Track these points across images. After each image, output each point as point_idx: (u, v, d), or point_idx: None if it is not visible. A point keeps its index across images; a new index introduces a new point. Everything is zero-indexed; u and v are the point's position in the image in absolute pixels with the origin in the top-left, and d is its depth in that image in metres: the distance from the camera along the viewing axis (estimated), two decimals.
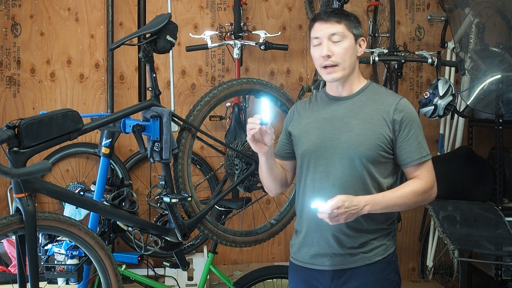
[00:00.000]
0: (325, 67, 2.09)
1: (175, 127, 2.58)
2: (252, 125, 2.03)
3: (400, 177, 2.18)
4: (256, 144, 2.08)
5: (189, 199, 2.55)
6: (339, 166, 2.07)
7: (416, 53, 3.35)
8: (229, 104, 3.71)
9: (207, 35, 3.55)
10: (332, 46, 2.08)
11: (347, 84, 2.14)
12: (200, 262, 3.66)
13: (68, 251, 2.90)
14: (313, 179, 2.13)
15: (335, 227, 2.05)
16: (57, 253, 2.92)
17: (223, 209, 3.04)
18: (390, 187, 2.11)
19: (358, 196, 1.99)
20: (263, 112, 2.02)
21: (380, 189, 2.08)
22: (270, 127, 2.04)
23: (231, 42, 3.62)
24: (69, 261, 2.92)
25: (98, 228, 2.62)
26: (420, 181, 2.08)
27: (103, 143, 2.61)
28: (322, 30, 2.10)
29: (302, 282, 2.19)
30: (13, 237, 2.14)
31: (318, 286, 2.14)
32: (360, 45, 2.13)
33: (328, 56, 2.07)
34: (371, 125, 2.07)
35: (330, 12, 2.12)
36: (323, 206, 1.93)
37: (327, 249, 2.10)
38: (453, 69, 3.85)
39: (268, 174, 2.21)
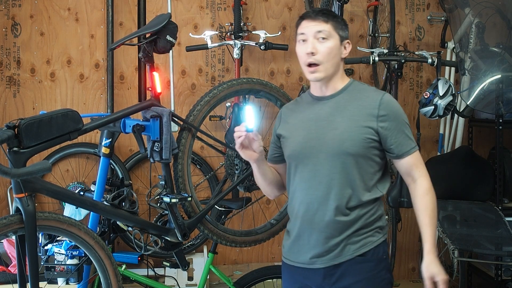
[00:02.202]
0: (309, 65, 2.11)
1: (175, 127, 2.58)
2: (239, 133, 2.07)
3: (383, 170, 2.16)
4: (245, 152, 2.12)
5: (189, 199, 2.55)
6: (326, 164, 2.08)
7: (416, 53, 3.35)
8: (229, 104, 3.70)
9: (207, 35, 3.55)
10: (317, 44, 2.09)
11: (330, 84, 2.15)
12: (200, 262, 3.66)
13: (68, 251, 2.90)
14: (301, 179, 2.14)
15: (323, 225, 2.07)
16: (57, 253, 2.92)
17: (223, 209, 3.04)
18: (377, 183, 2.11)
19: (426, 257, 2.14)
20: (248, 119, 2.06)
21: (365, 185, 2.08)
22: (256, 134, 2.09)
23: (231, 42, 3.62)
24: (69, 261, 2.92)
25: (98, 228, 2.62)
26: (422, 180, 2.10)
27: (103, 143, 2.61)
28: (309, 27, 2.11)
29: (294, 282, 2.19)
30: (13, 237, 2.14)
31: (310, 286, 2.14)
32: (345, 47, 2.15)
33: (312, 54, 2.08)
34: (356, 122, 2.08)
35: (319, 11, 2.14)
36: None
37: (317, 248, 2.11)
38: (453, 69, 3.85)
39: (263, 180, 2.25)
